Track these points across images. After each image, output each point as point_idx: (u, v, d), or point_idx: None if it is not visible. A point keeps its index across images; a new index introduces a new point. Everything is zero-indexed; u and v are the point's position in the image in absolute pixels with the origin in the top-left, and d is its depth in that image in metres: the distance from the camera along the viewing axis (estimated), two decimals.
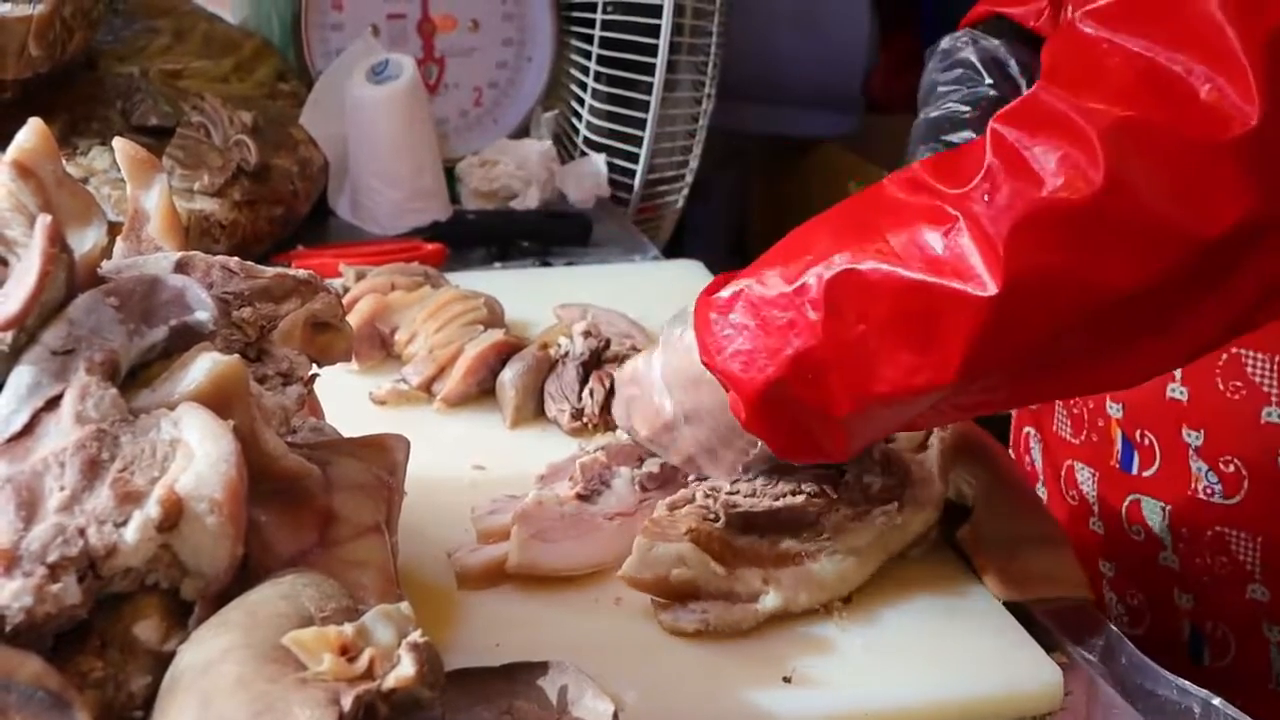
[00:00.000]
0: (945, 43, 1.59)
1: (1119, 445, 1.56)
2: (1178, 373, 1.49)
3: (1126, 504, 1.59)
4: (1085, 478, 1.64)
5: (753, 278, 1.21)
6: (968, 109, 1.51)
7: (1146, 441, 1.53)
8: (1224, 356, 1.46)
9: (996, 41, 1.56)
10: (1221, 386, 1.47)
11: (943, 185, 1.13)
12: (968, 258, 1.10)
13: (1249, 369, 1.45)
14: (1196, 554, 1.55)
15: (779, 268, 1.20)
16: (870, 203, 1.19)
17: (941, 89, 1.55)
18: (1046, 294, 1.09)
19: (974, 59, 1.54)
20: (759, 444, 1.27)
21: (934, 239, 1.12)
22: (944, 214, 1.12)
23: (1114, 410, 1.56)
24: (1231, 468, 1.50)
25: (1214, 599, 1.56)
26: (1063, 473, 1.65)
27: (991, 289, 1.08)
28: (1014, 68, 1.54)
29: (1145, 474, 1.56)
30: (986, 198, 1.10)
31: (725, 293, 1.23)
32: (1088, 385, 1.31)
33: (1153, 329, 1.12)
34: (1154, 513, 1.57)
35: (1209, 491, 1.52)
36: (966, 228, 1.10)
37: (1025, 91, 1.34)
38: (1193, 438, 1.51)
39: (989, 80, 1.54)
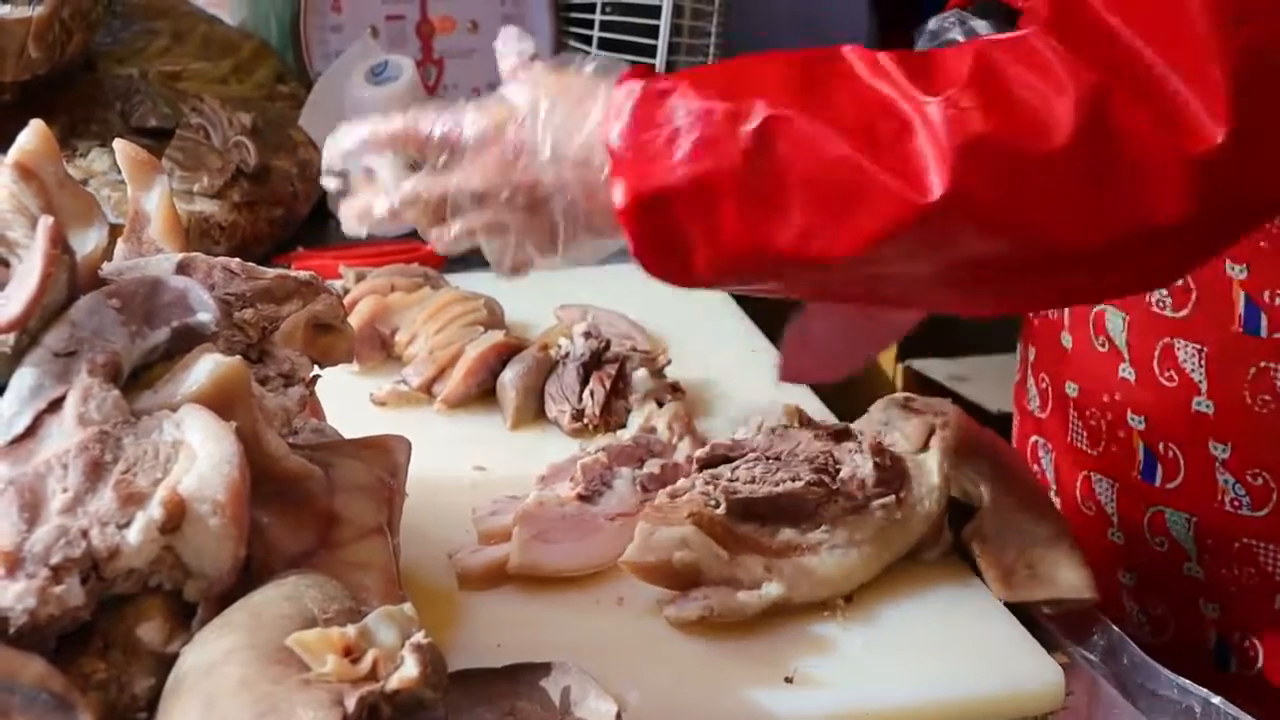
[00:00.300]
0: (932, 24, 1.56)
1: (1141, 457, 1.55)
2: (1204, 385, 1.48)
3: (1149, 515, 1.58)
4: (1104, 489, 1.63)
5: (689, 84, 1.18)
6: None
7: (1170, 454, 1.52)
8: (1252, 370, 1.45)
9: (984, 22, 1.55)
10: (1249, 400, 1.46)
11: (908, 82, 1.13)
12: (914, 159, 1.10)
13: (1279, 382, 1.45)
14: (1223, 565, 1.54)
15: (719, 88, 1.17)
16: (826, 68, 1.18)
17: None
18: (974, 221, 1.11)
19: (961, 40, 1.53)
20: (589, 234, 1.23)
21: (885, 129, 1.12)
22: (900, 110, 1.12)
23: (1135, 422, 1.55)
24: (1260, 481, 1.49)
25: (1241, 609, 1.55)
26: (1078, 484, 1.64)
27: (930, 198, 1.09)
28: None
29: (1169, 486, 1.55)
30: (952, 111, 1.10)
31: (659, 84, 1.19)
32: (948, 308, 1.32)
33: (1059, 289, 1.20)
34: (1178, 524, 1.56)
35: (1236, 504, 1.51)
36: (923, 130, 1.10)
37: None
38: (1219, 450, 1.50)
39: None
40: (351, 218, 1.28)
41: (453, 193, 1.24)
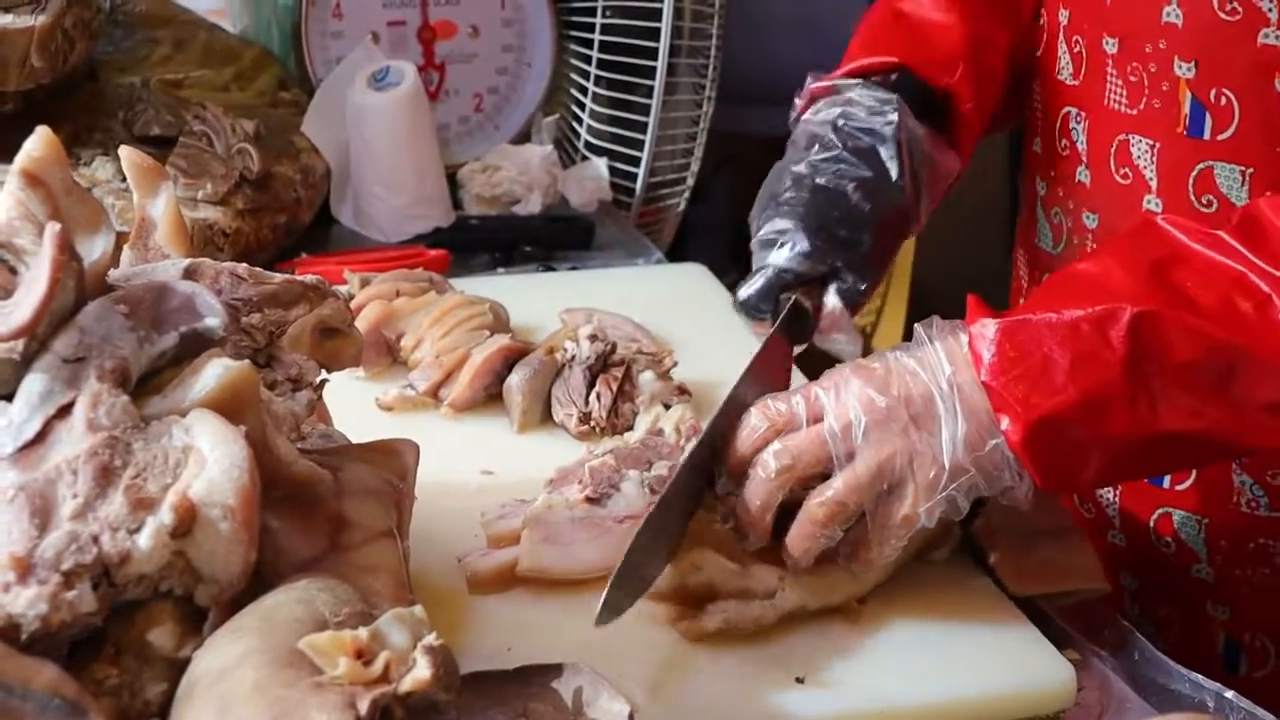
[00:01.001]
0: (856, 94, 1.55)
1: None
2: None
3: (1155, 517, 1.57)
4: (1104, 490, 1.62)
5: (1040, 307, 1.24)
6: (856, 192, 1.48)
7: None
8: None
9: (918, 123, 1.55)
10: None
11: (1252, 255, 1.23)
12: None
13: None
14: (1236, 566, 1.54)
15: (1071, 301, 1.23)
16: (1164, 251, 1.26)
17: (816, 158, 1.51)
18: None
19: (886, 133, 1.51)
20: (971, 474, 1.24)
21: (1246, 306, 1.21)
22: (1254, 286, 1.21)
23: None
24: None
25: (1253, 610, 1.55)
26: None
27: None
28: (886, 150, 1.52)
29: (1178, 488, 1.55)
30: None
31: (1010, 316, 1.24)
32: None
33: None
34: (1188, 526, 1.55)
35: (1253, 505, 1.51)
36: None
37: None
38: None
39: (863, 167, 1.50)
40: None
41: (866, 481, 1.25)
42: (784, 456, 1.24)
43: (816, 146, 1.50)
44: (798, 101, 1.59)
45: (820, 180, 1.47)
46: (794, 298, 1.42)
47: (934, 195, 1.57)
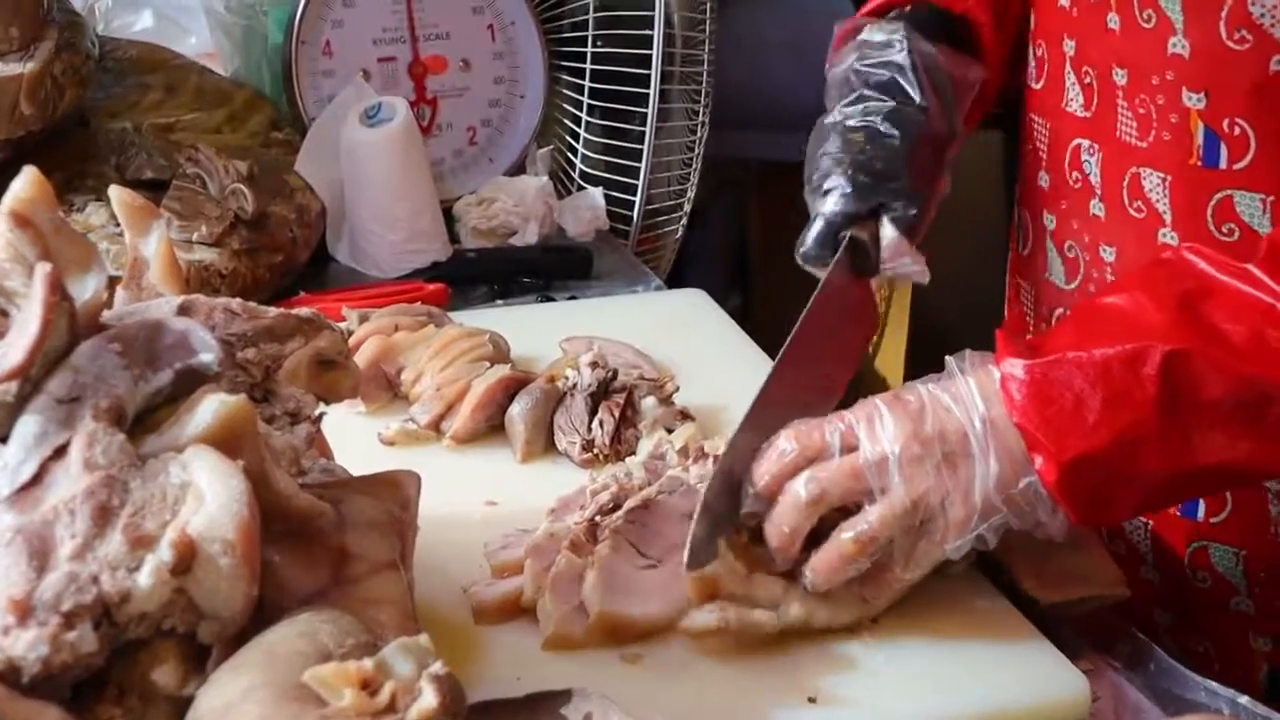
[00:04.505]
0: (870, 34, 1.58)
1: None
2: None
3: (1191, 551, 1.56)
4: (1135, 526, 1.61)
5: (1066, 345, 1.25)
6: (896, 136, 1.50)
7: None
8: None
9: (929, 45, 1.56)
10: None
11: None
12: None
13: None
14: (1277, 597, 1.53)
15: (1102, 337, 1.24)
16: (1193, 284, 1.27)
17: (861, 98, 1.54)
18: None
19: (903, 62, 1.54)
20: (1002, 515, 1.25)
21: (1278, 340, 1.22)
22: None
23: None
24: None
25: None
26: None
27: None
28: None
29: (1213, 520, 1.54)
30: None
31: (1039, 356, 1.25)
32: None
33: None
34: (1225, 559, 1.54)
35: None
36: None
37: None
38: (1274, 482, 1.49)
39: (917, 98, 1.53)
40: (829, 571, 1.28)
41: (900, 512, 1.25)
42: (814, 487, 1.25)
43: (842, 93, 1.55)
44: (829, 57, 1.63)
45: (850, 123, 1.51)
46: (850, 234, 1.45)
47: (961, 107, 1.60)
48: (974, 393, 1.25)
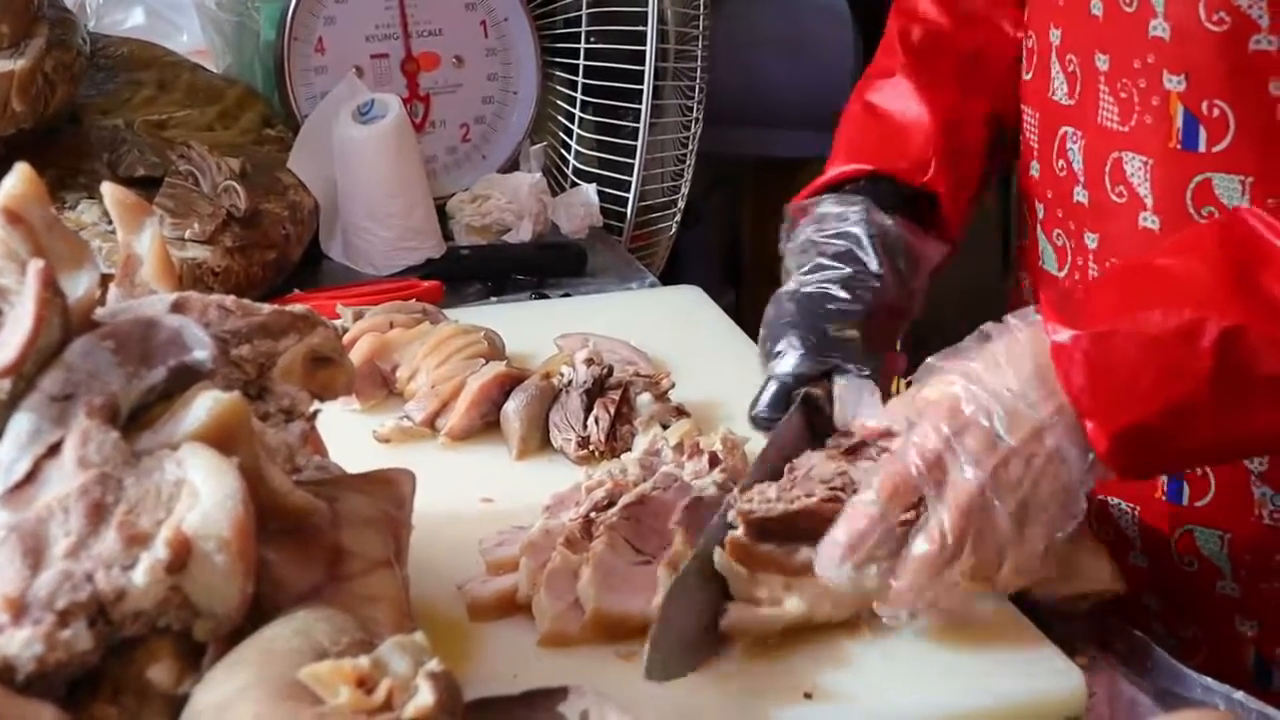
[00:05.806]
0: (828, 206, 1.58)
1: (1164, 478, 1.54)
2: None
3: (1177, 536, 1.56)
4: (1122, 513, 1.61)
5: (1121, 311, 1.26)
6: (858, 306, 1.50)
7: (1199, 472, 1.51)
8: None
9: (889, 220, 1.56)
10: None
11: None
12: None
13: None
14: (1261, 580, 1.53)
15: (1153, 302, 1.25)
16: (1248, 249, 1.27)
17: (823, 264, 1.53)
18: None
19: (860, 234, 1.54)
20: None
21: None
22: None
23: None
24: None
25: None
26: (1094, 509, 1.62)
27: None
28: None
29: (1198, 504, 1.54)
30: None
31: (1092, 329, 1.25)
32: None
33: None
34: (1210, 542, 1.54)
35: (1275, 517, 1.50)
36: None
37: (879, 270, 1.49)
38: (1255, 464, 1.49)
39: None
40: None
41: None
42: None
43: (800, 263, 1.54)
44: (784, 231, 1.62)
45: (806, 290, 1.50)
46: (805, 390, 1.43)
47: (920, 278, 1.59)
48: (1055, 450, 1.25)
